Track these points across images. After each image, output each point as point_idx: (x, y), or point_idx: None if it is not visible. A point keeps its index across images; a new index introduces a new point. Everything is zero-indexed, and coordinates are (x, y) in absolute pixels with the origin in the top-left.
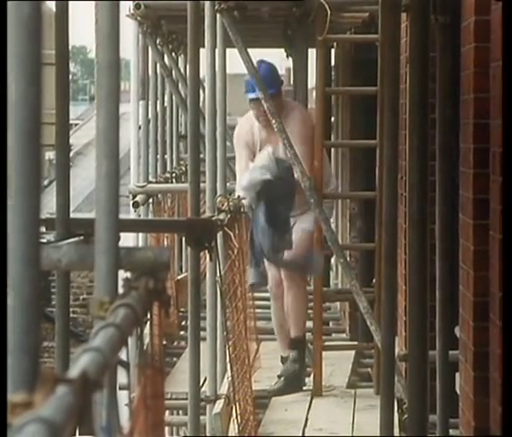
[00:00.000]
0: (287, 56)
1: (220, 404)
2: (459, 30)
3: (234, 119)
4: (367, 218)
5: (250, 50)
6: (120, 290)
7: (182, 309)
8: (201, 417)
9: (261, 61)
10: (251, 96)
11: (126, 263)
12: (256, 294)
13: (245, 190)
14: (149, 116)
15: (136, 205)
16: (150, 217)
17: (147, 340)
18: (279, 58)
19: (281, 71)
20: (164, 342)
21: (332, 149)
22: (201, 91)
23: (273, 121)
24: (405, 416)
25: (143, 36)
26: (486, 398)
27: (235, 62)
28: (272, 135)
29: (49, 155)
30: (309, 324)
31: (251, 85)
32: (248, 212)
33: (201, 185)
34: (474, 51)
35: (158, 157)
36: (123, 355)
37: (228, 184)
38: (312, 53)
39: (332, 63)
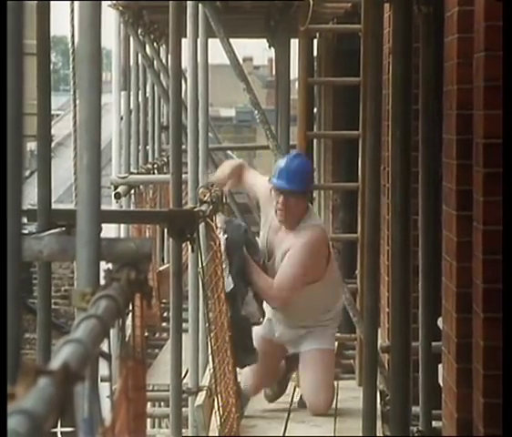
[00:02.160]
0: (269, 47)
1: (202, 396)
2: (442, 21)
3: (216, 110)
4: (350, 210)
5: (232, 40)
6: (102, 282)
7: (164, 301)
8: (183, 409)
9: (297, 155)
10: (273, 183)
11: (107, 254)
12: None
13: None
14: (131, 106)
15: (117, 196)
16: (132, 208)
17: (128, 332)
18: (261, 49)
19: (264, 61)
20: (146, 334)
21: (315, 140)
22: (183, 82)
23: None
24: (388, 408)
25: (124, 26)
26: (469, 389)
27: (217, 52)
28: (281, 235)
29: (30, 145)
30: None
31: (279, 172)
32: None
33: (183, 176)
34: (457, 42)
35: (140, 147)
36: (105, 347)
37: (209, 175)
38: (294, 43)
39: (315, 53)
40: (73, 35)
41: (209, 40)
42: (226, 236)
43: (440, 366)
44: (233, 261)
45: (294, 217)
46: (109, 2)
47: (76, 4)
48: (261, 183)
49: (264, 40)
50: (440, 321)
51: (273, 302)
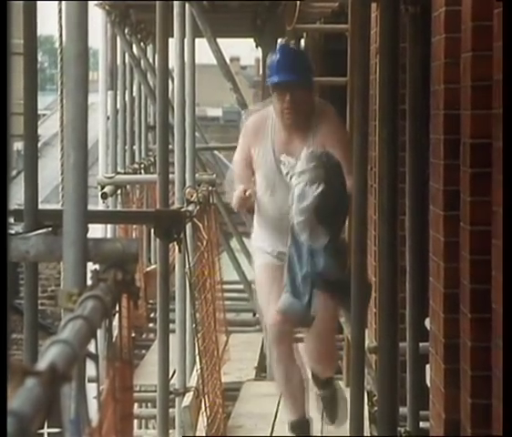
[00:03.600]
0: (256, 46)
1: (189, 397)
2: (429, 20)
3: (203, 110)
4: None
5: (219, 40)
6: (89, 282)
7: (151, 302)
8: (170, 410)
9: (287, 44)
10: (276, 79)
11: (94, 255)
12: (225, 286)
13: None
14: (118, 106)
15: (104, 196)
16: (119, 208)
17: (115, 333)
18: (248, 48)
19: (251, 61)
20: (133, 334)
21: None
22: (170, 81)
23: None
24: (375, 408)
25: (111, 26)
26: (457, 390)
27: (204, 52)
28: (297, 140)
29: (17, 145)
30: None
31: (277, 67)
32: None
33: (170, 176)
34: (444, 41)
35: (127, 147)
36: (92, 347)
37: (197, 175)
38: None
39: None
40: (61, 35)
41: (197, 40)
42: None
43: (428, 366)
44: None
45: (305, 114)
46: (96, 1)
47: (63, 3)
48: (248, 151)
49: (251, 40)
50: (427, 322)
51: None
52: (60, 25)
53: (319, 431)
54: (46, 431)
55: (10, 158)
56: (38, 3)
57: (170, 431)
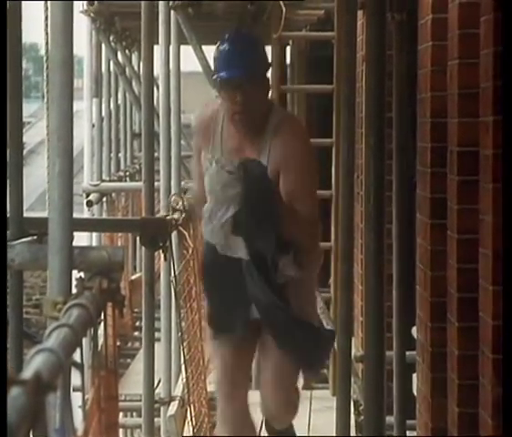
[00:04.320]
0: None
1: (174, 406)
2: (416, 28)
3: (189, 117)
4: (323, 218)
5: (204, 47)
6: (74, 290)
7: (136, 310)
8: (156, 419)
9: (240, 31)
10: (225, 75)
11: (79, 263)
12: None
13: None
14: (103, 113)
15: (89, 204)
16: (104, 216)
17: (101, 341)
18: None
19: None
20: (118, 343)
21: None
22: (155, 89)
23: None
24: (362, 418)
25: (96, 33)
26: (444, 399)
27: (189, 59)
28: (247, 141)
29: None
30: None
31: (225, 59)
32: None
33: (156, 184)
34: (431, 49)
35: (112, 155)
36: (77, 356)
37: (182, 183)
38: (267, 50)
39: (288, 61)
40: (47, 43)
41: (182, 47)
42: (244, 176)
43: (414, 375)
44: (258, 208)
45: (259, 114)
46: (81, 8)
47: (49, 10)
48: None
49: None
50: (414, 330)
51: (316, 236)
52: (46, 33)
53: (306, 432)
54: None
55: (5, 170)
56: (23, 10)
57: None
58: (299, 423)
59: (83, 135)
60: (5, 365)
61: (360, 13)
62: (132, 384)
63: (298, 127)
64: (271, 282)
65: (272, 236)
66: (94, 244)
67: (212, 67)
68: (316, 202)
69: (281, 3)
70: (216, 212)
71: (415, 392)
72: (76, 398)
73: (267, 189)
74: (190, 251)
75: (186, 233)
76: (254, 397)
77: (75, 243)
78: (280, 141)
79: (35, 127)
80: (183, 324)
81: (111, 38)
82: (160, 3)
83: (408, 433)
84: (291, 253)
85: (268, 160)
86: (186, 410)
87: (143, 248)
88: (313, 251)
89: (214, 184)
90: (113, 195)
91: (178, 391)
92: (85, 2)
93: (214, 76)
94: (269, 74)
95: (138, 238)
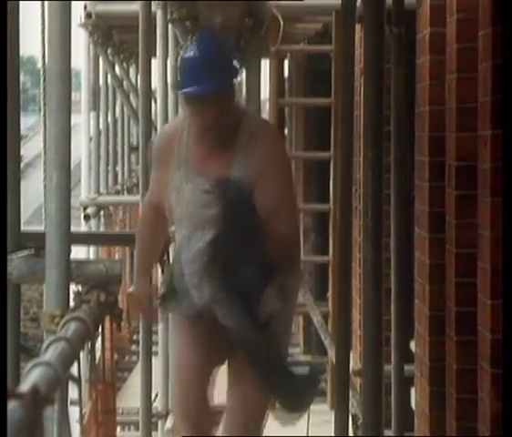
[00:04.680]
0: (240, 68)
1: (171, 420)
2: (414, 41)
3: None
4: (321, 232)
5: None
6: (71, 304)
7: (133, 324)
8: (153, 433)
9: (204, 36)
10: (188, 89)
11: (77, 276)
12: None
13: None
14: (101, 127)
15: (87, 217)
16: (101, 229)
17: (98, 355)
18: None
19: None
20: (115, 357)
21: None
22: (153, 102)
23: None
24: (360, 431)
25: (94, 46)
26: (442, 413)
27: None
28: (217, 157)
29: None
30: None
31: (189, 70)
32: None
33: None
34: (429, 63)
35: (110, 168)
36: (74, 369)
37: None
38: (265, 64)
39: (286, 74)
40: (44, 56)
41: None
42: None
43: (413, 389)
44: (241, 230)
45: (230, 126)
46: (79, 22)
47: (46, 23)
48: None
49: (235, 60)
50: (412, 344)
51: (298, 257)
52: (43, 46)
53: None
54: None
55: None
56: (21, 24)
57: None
58: None
59: (80, 148)
60: (5, 379)
61: (358, 26)
62: (130, 398)
63: (273, 135)
64: (254, 315)
65: (257, 262)
66: (91, 257)
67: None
68: (298, 219)
69: (279, 16)
70: (190, 238)
71: (414, 406)
72: (74, 411)
73: (250, 209)
74: None
75: None
76: None
77: (72, 256)
78: (254, 151)
79: (33, 141)
80: None
81: (109, 51)
82: (158, 16)
83: None
84: (274, 282)
85: (242, 173)
86: None
87: None
88: (296, 275)
89: (188, 206)
90: (110, 208)
91: None
92: (82, 14)
93: (180, 91)
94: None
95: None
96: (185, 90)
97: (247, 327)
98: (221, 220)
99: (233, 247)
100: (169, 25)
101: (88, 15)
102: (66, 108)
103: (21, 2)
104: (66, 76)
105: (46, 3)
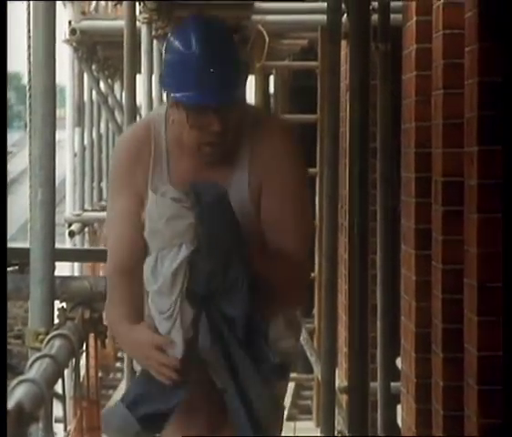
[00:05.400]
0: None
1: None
2: (400, 58)
3: None
4: None
5: None
6: (56, 321)
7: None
8: None
9: (206, 23)
10: (201, 99)
11: (61, 293)
12: None
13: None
14: (85, 143)
15: (71, 234)
16: (86, 246)
17: (83, 372)
18: None
19: None
20: (100, 374)
21: None
22: (138, 118)
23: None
24: None
25: (78, 62)
26: (429, 430)
27: None
28: (209, 173)
29: None
30: None
31: (196, 74)
32: None
33: None
34: (415, 79)
35: (94, 184)
36: (59, 387)
37: None
38: (250, 80)
39: (271, 90)
40: (29, 72)
41: None
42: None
43: (399, 406)
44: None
45: (234, 140)
46: (64, 38)
47: (31, 39)
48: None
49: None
50: (399, 361)
51: (305, 281)
52: (29, 62)
53: None
54: None
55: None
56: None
57: None
58: None
59: (65, 164)
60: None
61: (344, 42)
62: None
63: (283, 128)
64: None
65: (245, 280)
66: (76, 273)
67: (163, 71)
68: (309, 235)
69: (265, 32)
70: (162, 261)
71: (400, 423)
72: (59, 429)
73: (230, 217)
74: None
75: None
76: None
77: (57, 273)
78: (260, 151)
79: (18, 157)
80: None
81: (93, 67)
82: (143, 32)
83: None
84: (281, 314)
85: (241, 188)
86: None
87: None
88: (301, 304)
89: (155, 220)
90: (95, 225)
91: None
92: (66, 30)
93: (176, 95)
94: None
95: None
96: (191, 96)
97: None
98: (197, 232)
99: (217, 264)
100: (154, 41)
101: (73, 32)
102: (51, 124)
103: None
104: (50, 91)
105: (31, 19)
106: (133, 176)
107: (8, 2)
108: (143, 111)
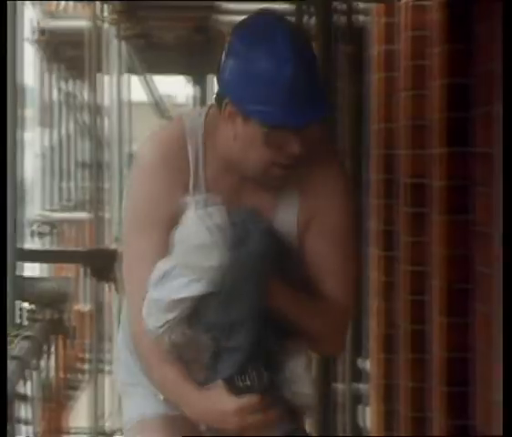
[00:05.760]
0: (193, 84)
1: None
2: (366, 60)
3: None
4: None
5: (155, 77)
6: (24, 322)
7: (85, 341)
8: None
9: (291, 31)
10: (301, 120)
11: (28, 294)
12: None
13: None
14: (50, 143)
15: (36, 234)
16: (52, 246)
17: (50, 373)
18: (183, 85)
19: (188, 99)
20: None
21: None
22: (104, 118)
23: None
24: None
25: (45, 62)
26: (393, 431)
27: (139, 89)
28: (256, 194)
29: None
30: None
31: (293, 95)
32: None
33: (106, 215)
34: (382, 80)
35: (60, 185)
36: (26, 388)
37: None
38: (212, 79)
39: None
40: None
41: (132, 77)
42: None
43: (360, 407)
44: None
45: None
46: (28, 37)
47: None
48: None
49: (188, 77)
50: (360, 362)
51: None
52: None
53: None
54: None
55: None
56: None
57: None
58: None
59: (29, 164)
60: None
61: None
62: (80, 416)
63: (339, 162)
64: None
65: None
66: (43, 274)
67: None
68: (356, 280)
69: (226, 32)
70: (174, 277)
71: (361, 424)
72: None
73: (270, 269)
74: None
75: None
76: None
77: (26, 274)
78: (314, 182)
79: None
80: None
81: (59, 67)
82: (111, 33)
83: None
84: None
85: (297, 214)
86: None
87: (92, 279)
88: (342, 350)
89: (184, 235)
90: (61, 225)
91: None
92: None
93: (254, 109)
94: None
95: (86, 269)
96: (277, 117)
97: None
98: (218, 278)
99: (226, 319)
100: (123, 42)
101: (42, 32)
102: (15, 125)
103: None
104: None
105: None
106: (171, 198)
107: None
108: (109, 112)
